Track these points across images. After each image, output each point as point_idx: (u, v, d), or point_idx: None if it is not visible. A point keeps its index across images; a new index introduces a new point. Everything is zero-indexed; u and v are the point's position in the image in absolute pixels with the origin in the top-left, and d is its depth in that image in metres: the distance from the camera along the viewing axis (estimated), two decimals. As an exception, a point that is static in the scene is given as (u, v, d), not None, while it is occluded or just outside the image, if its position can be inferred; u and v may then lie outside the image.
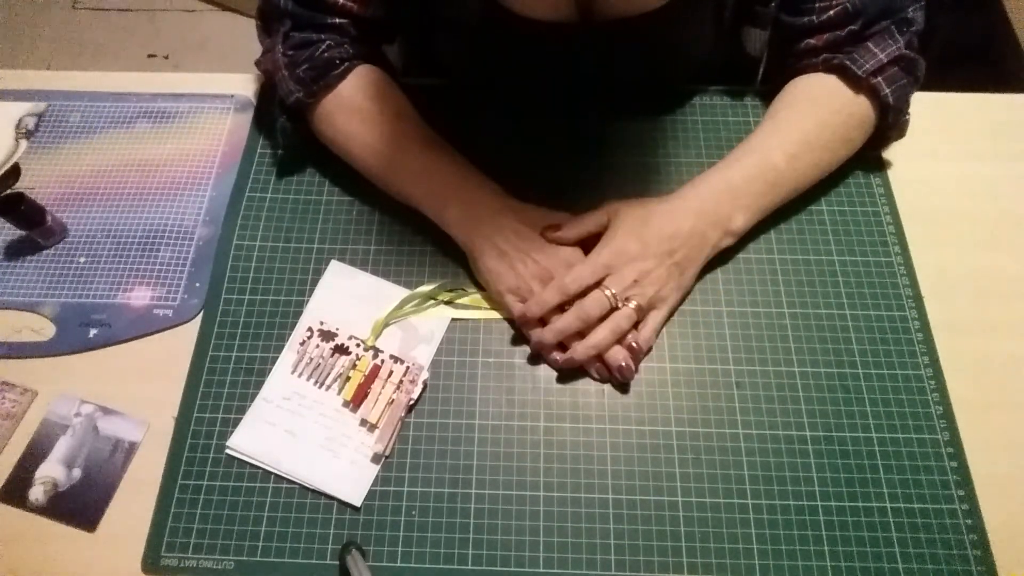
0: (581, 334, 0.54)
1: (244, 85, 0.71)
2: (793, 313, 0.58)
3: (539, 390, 0.55)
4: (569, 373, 0.56)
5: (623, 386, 0.55)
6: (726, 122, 0.68)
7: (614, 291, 0.53)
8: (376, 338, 0.57)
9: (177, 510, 0.51)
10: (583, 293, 0.54)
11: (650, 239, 0.54)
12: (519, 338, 0.57)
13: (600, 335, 0.53)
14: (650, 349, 0.56)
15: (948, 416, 0.54)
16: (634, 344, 0.54)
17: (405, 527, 0.51)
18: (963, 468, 0.52)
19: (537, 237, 0.56)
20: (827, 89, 0.60)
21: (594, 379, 0.55)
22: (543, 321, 0.55)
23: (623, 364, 0.53)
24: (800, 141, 0.58)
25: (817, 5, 0.59)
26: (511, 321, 0.57)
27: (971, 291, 0.59)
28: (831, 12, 0.58)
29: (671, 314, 0.57)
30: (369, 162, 0.61)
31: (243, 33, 1.74)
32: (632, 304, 0.53)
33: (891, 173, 0.65)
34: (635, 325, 0.54)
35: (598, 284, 0.54)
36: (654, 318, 0.55)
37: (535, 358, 0.56)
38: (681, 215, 0.55)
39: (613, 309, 0.53)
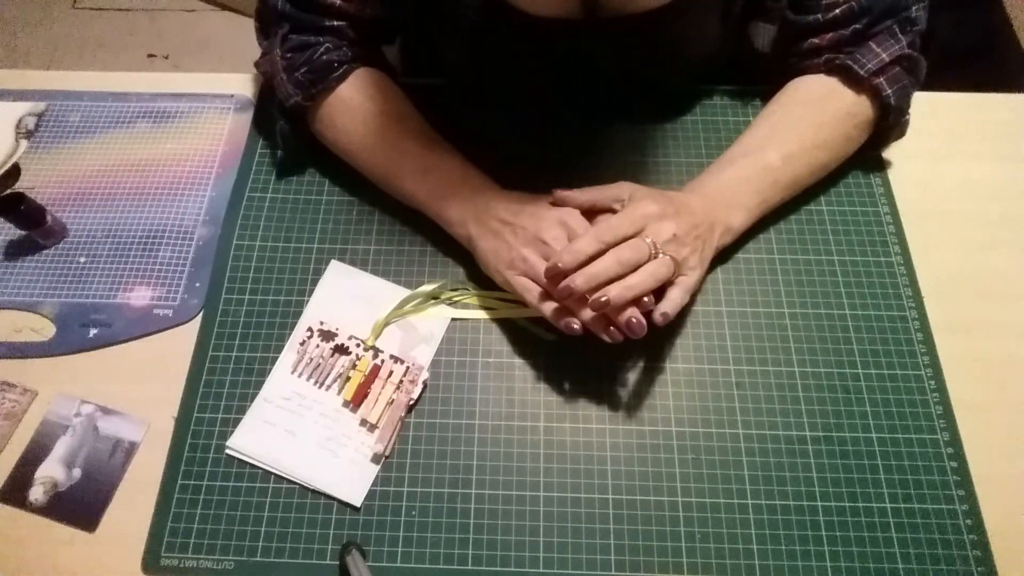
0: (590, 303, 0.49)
1: (244, 85, 0.71)
2: (793, 313, 0.58)
3: (539, 390, 0.55)
4: (569, 373, 0.56)
5: (622, 385, 0.55)
6: (726, 122, 0.68)
7: (654, 240, 0.49)
8: (376, 338, 0.57)
9: (177, 510, 0.51)
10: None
11: (679, 208, 0.52)
12: (519, 338, 0.57)
13: (639, 278, 0.48)
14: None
15: (948, 416, 0.54)
16: (659, 316, 0.49)
17: (405, 527, 0.51)
18: (963, 468, 0.52)
19: (526, 208, 0.54)
20: (826, 89, 0.60)
21: (605, 342, 0.50)
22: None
23: (633, 320, 0.48)
24: (797, 141, 0.58)
25: (823, 3, 0.58)
26: (511, 321, 0.57)
27: (971, 291, 0.59)
28: (837, 11, 0.58)
29: (695, 289, 0.53)
30: (370, 163, 0.61)
31: (243, 33, 1.74)
32: (668, 253, 0.50)
33: (891, 173, 0.65)
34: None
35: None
36: (684, 282, 0.51)
37: (540, 355, 0.56)
38: (690, 203, 0.54)
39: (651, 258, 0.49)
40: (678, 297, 0.50)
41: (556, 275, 0.49)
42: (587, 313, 0.49)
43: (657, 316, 0.49)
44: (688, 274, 0.51)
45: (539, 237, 0.52)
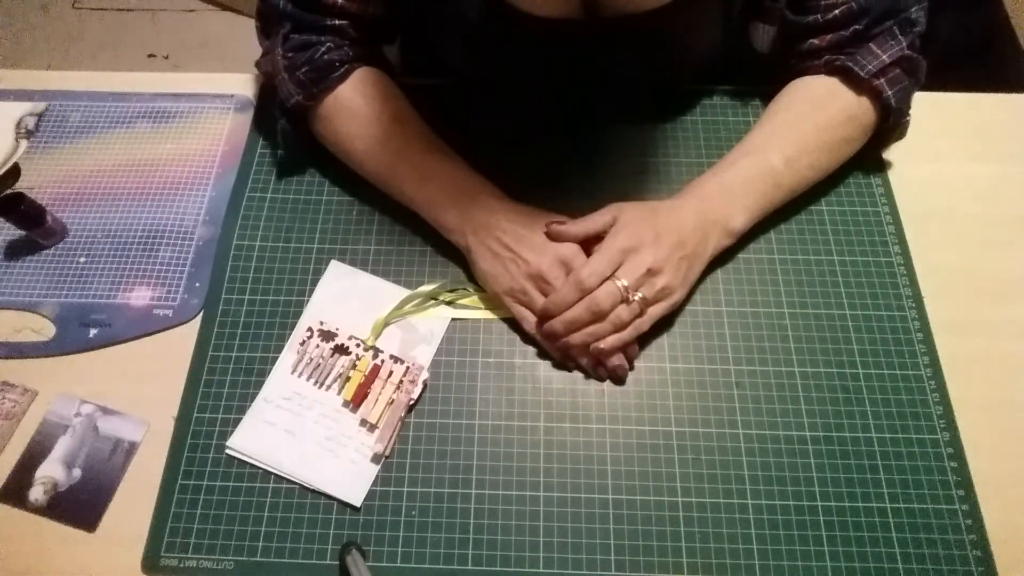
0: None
1: (244, 85, 0.71)
2: (793, 313, 0.58)
3: (539, 390, 0.55)
4: (569, 372, 0.56)
5: (623, 384, 0.55)
6: (726, 122, 0.68)
7: (626, 283, 0.52)
8: (376, 338, 0.57)
9: (177, 510, 0.51)
10: None
11: (661, 229, 0.54)
12: (519, 338, 0.57)
13: (600, 325, 0.53)
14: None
15: (948, 416, 0.54)
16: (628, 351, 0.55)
17: (405, 527, 0.51)
18: (963, 468, 0.52)
19: (529, 236, 0.56)
20: (827, 91, 0.60)
21: (591, 376, 0.56)
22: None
23: (616, 364, 0.54)
24: (798, 143, 0.58)
25: (823, 3, 0.58)
26: (511, 321, 0.58)
27: (971, 291, 0.59)
28: (837, 12, 0.58)
29: (672, 309, 0.55)
30: (368, 165, 0.61)
31: (243, 33, 1.74)
32: (637, 297, 0.53)
33: (891, 173, 0.65)
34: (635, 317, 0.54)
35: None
36: (654, 311, 0.54)
37: (540, 355, 0.56)
38: (684, 212, 0.55)
39: (623, 301, 0.53)
40: (643, 323, 0.54)
41: (546, 319, 0.55)
42: (576, 352, 0.55)
43: (601, 371, 0.55)
44: (663, 301, 0.54)
45: (541, 275, 0.55)
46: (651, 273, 0.53)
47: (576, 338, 0.53)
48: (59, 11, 1.81)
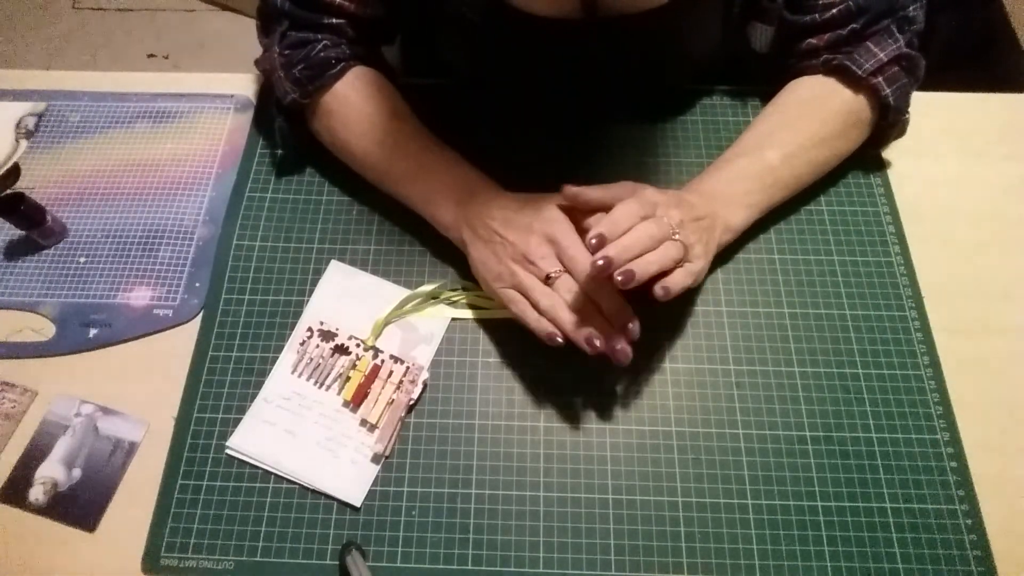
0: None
1: (244, 85, 0.71)
2: (793, 313, 0.58)
3: (539, 390, 0.55)
4: (569, 373, 0.56)
5: (622, 386, 0.55)
6: (726, 122, 0.68)
7: (668, 222, 0.49)
8: (376, 338, 0.57)
9: (177, 510, 0.51)
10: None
11: (679, 201, 0.52)
12: (519, 338, 0.57)
13: (657, 255, 0.48)
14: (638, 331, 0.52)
15: (948, 416, 0.54)
16: (660, 289, 0.48)
17: (405, 527, 0.51)
18: (963, 468, 0.52)
19: (517, 219, 0.54)
20: (825, 89, 0.60)
21: (584, 350, 0.50)
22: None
23: (618, 348, 0.49)
24: (795, 140, 0.58)
25: (820, 3, 0.58)
26: (511, 321, 0.57)
27: (971, 291, 0.59)
28: (834, 11, 0.58)
29: (697, 281, 0.51)
30: (365, 163, 0.61)
31: (243, 33, 1.74)
32: (677, 237, 0.49)
33: (891, 173, 0.65)
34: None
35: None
36: (690, 268, 0.50)
37: (540, 355, 0.56)
38: (689, 199, 0.54)
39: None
40: (680, 279, 0.49)
41: (599, 246, 0.48)
42: (570, 325, 0.50)
43: (658, 289, 0.48)
44: (693, 261, 0.50)
45: (526, 255, 0.52)
46: (683, 226, 0.50)
47: (639, 266, 0.46)
48: (59, 11, 1.82)
